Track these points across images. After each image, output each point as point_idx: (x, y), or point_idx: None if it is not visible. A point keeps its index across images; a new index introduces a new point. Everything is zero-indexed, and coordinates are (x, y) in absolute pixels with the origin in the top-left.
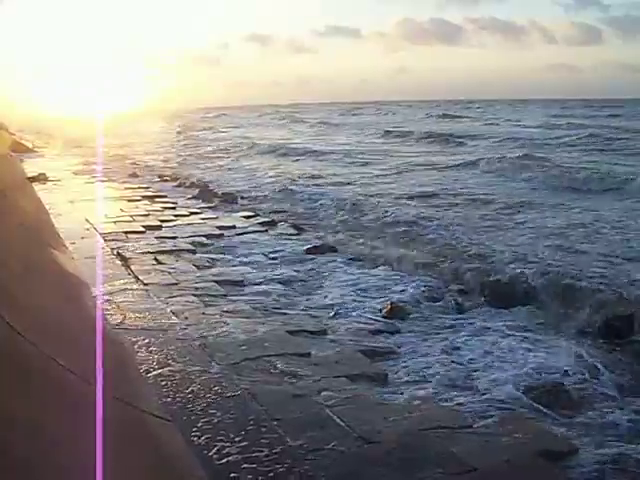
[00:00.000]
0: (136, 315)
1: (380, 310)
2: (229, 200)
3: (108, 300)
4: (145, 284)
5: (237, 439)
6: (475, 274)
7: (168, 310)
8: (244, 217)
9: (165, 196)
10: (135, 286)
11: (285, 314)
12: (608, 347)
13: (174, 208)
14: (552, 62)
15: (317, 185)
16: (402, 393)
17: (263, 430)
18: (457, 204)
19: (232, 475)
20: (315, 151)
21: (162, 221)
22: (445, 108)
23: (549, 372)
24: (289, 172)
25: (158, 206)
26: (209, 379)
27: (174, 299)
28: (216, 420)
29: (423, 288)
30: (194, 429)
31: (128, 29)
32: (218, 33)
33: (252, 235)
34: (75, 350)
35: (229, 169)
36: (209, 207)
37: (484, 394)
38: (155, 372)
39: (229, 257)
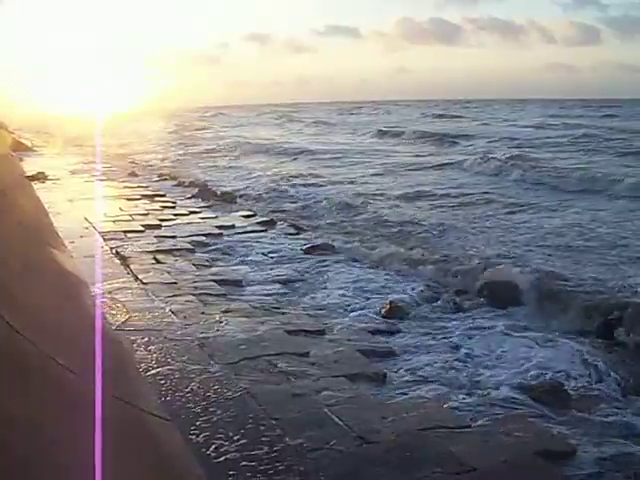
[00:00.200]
0: (135, 314)
1: (379, 310)
2: (228, 199)
3: (107, 299)
4: (144, 283)
5: (236, 438)
6: (472, 274)
7: (167, 309)
8: (243, 216)
9: (164, 195)
10: (134, 285)
11: (284, 313)
12: (607, 347)
13: (173, 207)
14: (551, 62)
15: (309, 185)
16: (401, 393)
17: (262, 429)
18: (448, 204)
19: (230, 473)
20: (309, 150)
21: (161, 220)
22: (443, 108)
23: (548, 372)
24: (282, 172)
25: (157, 205)
26: (208, 378)
27: (173, 298)
28: (215, 419)
29: (422, 288)
30: (193, 428)
31: (128, 29)
32: (218, 32)
33: (251, 234)
34: (74, 349)
35: (222, 168)
36: (208, 206)
37: (483, 394)
38: (154, 371)
39: (228, 256)
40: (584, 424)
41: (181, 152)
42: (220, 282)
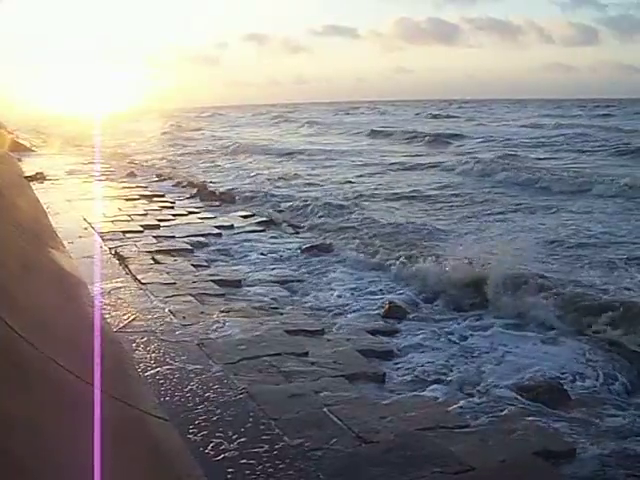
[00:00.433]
0: (134, 315)
1: (378, 310)
2: (227, 200)
3: (106, 300)
4: (143, 284)
5: (234, 438)
6: (467, 275)
7: (166, 310)
8: (242, 217)
9: (163, 195)
10: (133, 286)
11: (283, 314)
12: (605, 347)
13: (172, 207)
14: (549, 62)
15: (301, 185)
16: (400, 393)
17: (261, 429)
18: (438, 205)
19: (229, 472)
20: (301, 151)
21: (160, 220)
22: (438, 108)
23: (547, 371)
24: (274, 172)
25: (156, 205)
26: (207, 378)
27: (172, 299)
28: (214, 419)
29: (420, 288)
30: (192, 428)
31: (127, 29)
32: (216, 33)
33: (250, 235)
34: (73, 350)
35: (218, 168)
36: (207, 206)
37: (482, 393)
38: (153, 371)
39: (227, 257)
40: (583, 424)
41: (177, 153)
42: (219, 282)
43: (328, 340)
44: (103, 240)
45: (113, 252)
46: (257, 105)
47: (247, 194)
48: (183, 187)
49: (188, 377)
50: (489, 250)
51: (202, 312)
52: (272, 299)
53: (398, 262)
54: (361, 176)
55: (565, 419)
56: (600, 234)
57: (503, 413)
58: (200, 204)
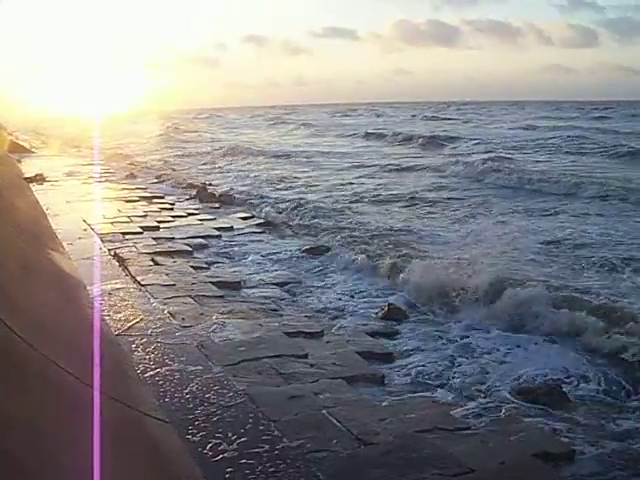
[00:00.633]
0: (133, 316)
1: (377, 312)
2: (226, 201)
3: (105, 301)
4: (142, 285)
5: (234, 439)
6: (465, 277)
7: (165, 311)
8: (241, 218)
9: (162, 197)
10: (132, 287)
11: (282, 315)
12: (603, 350)
13: (171, 209)
14: (548, 64)
15: (295, 187)
16: (399, 394)
17: (260, 431)
18: (431, 208)
19: (228, 473)
20: (294, 153)
21: (159, 222)
22: (435, 110)
23: (546, 373)
24: (267, 174)
25: (155, 207)
26: (207, 380)
27: (171, 300)
28: (213, 421)
29: (418, 290)
30: (191, 430)
31: (127, 30)
32: (216, 34)
33: (249, 236)
34: (73, 351)
35: (209, 170)
36: (206, 208)
37: (481, 395)
38: (152, 373)
39: (227, 258)
40: (582, 426)
41: (175, 154)
42: (218, 284)
43: (327, 342)
44: (103, 241)
45: (113, 253)
46: (256, 107)
47: (246, 196)
48: (182, 188)
49: (188, 379)
50: (484, 252)
51: (202, 314)
52: (271, 301)
53: (394, 265)
54: (359, 177)
55: (564, 421)
56: (597, 236)
57: (502, 415)
58: (199, 205)
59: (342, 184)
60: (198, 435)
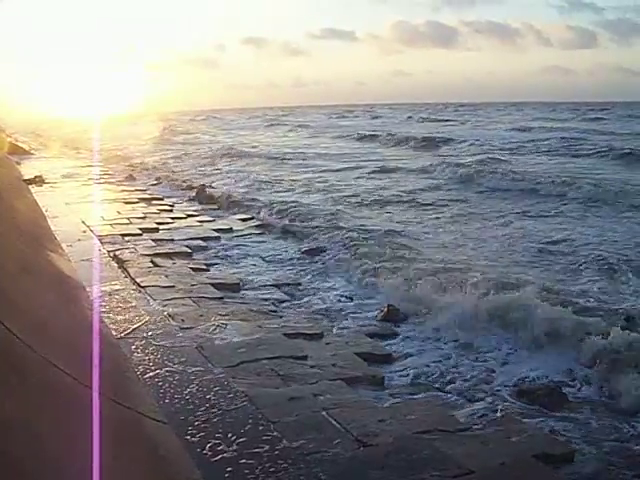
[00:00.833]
0: (133, 318)
1: (377, 313)
2: (225, 203)
3: (104, 303)
4: (142, 287)
5: (233, 441)
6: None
7: (165, 313)
8: (240, 220)
9: (162, 198)
10: (132, 289)
11: (282, 317)
12: (602, 351)
13: (171, 210)
14: (547, 65)
15: (290, 189)
16: (399, 396)
17: (260, 432)
18: (424, 210)
19: (227, 474)
20: (290, 154)
21: (159, 223)
22: (432, 111)
23: (546, 375)
24: (262, 176)
25: (155, 208)
26: (206, 381)
27: (171, 302)
28: (213, 422)
29: (418, 292)
30: (190, 431)
31: (126, 31)
32: (215, 36)
33: (249, 238)
34: (72, 353)
35: (208, 172)
36: (205, 210)
37: (481, 396)
38: (152, 374)
39: (226, 260)
40: (582, 427)
41: (174, 155)
42: (218, 285)
43: (327, 343)
44: (102, 243)
45: (112, 255)
46: (255, 108)
47: (245, 197)
48: (182, 190)
49: (187, 380)
50: (480, 254)
51: (201, 315)
52: (271, 302)
53: (392, 267)
54: (358, 178)
55: (564, 422)
56: (593, 237)
57: (502, 416)
58: (198, 207)
59: (340, 185)
60: (197, 436)
